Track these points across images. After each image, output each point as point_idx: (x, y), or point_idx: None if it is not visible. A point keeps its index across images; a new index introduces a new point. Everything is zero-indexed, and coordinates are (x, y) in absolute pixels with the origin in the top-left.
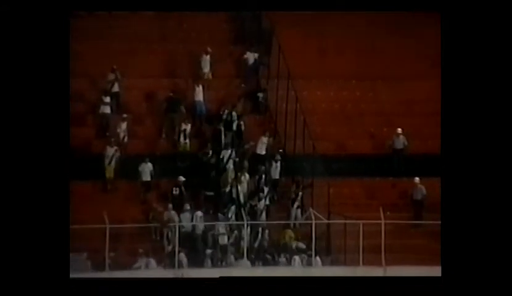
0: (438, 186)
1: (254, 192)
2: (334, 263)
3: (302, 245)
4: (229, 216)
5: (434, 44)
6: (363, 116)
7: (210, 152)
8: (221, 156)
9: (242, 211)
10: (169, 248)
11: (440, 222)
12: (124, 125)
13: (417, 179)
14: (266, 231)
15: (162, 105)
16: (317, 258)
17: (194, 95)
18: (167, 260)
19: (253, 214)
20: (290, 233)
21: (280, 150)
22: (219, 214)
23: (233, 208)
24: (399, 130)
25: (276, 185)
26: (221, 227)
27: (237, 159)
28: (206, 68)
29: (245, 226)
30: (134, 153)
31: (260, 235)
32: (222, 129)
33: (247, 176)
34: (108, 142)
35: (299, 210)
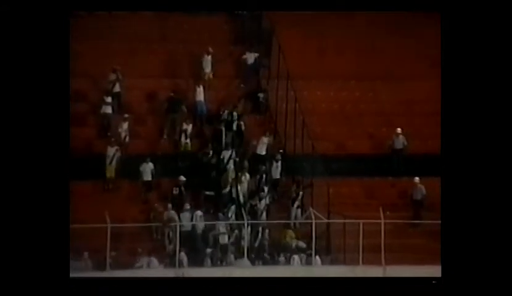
0: (438, 186)
1: (254, 192)
2: (334, 262)
3: (302, 244)
4: (230, 215)
5: (434, 44)
6: (363, 116)
7: (211, 152)
8: (222, 156)
9: (243, 211)
10: (170, 247)
11: (439, 222)
12: (125, 125)
13: (417, 178)
14: (267, 231)
15: (163, 105)
16: (317, 257)
17: (195, 96)
18: (168, 259)
19: (254, 213)
20: (290, 233)
21: (281, 150)
22: (220, 213)
23: (233, 207)
24: (399, 130)
25: (276, 185)
26: (221, 226)
27: (237, 159)
28: (207, 68)
29: (246, 225)
30: (135, 153)
31: (260, 234)
32: (223, 129)
33: (248, 175)
34: (109, 142)
35: (299, 210)
